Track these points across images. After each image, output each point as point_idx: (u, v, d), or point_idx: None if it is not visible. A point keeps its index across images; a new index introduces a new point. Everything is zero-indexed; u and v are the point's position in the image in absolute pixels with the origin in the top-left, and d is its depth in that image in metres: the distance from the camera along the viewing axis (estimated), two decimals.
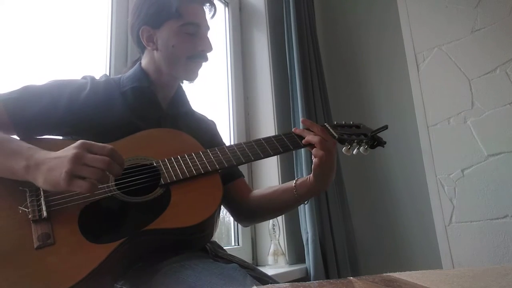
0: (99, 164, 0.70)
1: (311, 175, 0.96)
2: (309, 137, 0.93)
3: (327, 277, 1.65)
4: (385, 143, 1.05)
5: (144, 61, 1.04)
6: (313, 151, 0.92)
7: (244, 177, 1.16)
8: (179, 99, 1.09)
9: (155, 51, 1.01)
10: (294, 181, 1.01)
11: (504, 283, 0.44)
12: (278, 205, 1.05)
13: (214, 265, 0.75)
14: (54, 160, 0.70)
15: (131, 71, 1.04)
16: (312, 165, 0.94)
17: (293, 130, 0.99)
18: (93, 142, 0.73)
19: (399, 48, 2.01)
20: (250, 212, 1.08)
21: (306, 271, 1.68)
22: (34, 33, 1.25)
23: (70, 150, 0.71)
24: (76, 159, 0.69)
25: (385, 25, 2.15)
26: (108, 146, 0.73)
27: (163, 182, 0.82)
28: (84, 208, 0.74)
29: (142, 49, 1.05)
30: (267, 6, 2.07)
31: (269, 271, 1.52)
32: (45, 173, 0.70)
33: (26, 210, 0.72)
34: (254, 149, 0.93)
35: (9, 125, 0.83)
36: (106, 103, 0.93)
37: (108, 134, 0.88)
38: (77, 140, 0.90)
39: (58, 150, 0.73)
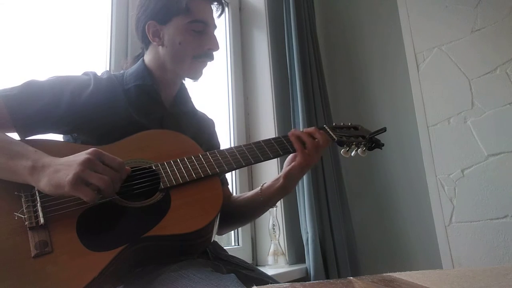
0: (108, 173, 0.69)
1: (283, 174, 0.97)
2: (305, 138, 0.96)
3: (327, 277, 1.65)
4: (383, 145, 1.06)
5: (148, 57, 1.02)
6: (300, 152, 0.94)
7: (228, 184, 1.16)
8: (182, 97, 1.08)
9: (160, 47, 0.99)
10: (261, 185, 1.02)
11: (504, 283, 0.44)
12: (246, 210, 1.06)
13: (213, 275, 0.73)
14: (63, 163, 0.70)
15: (134, 67, 1.02)
16: (292, 164, 0.96)
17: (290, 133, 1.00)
18: (104, 152, 0.73)
19: (399, 48, 2.01)
20: (223, 219, 1.07)
21: (306, 271, 1.68)
22: (35, 28, 1.25)
23: (82, 155, 0.70)
24: (87, 164, 0.68)
25: (385, 25, 2.15)
26: (118, 159, 0.73)
27: (162, 187, 0.81)
28: (82, 214, 0.72)
29: (146, 44, 1.03)
30: (267, 6, 2.07)
31: (269, 271, 1.52)
32: (51, 174, 0.69)
33: (22, 216, 0.69)
34: (254, 152, 0.92)
35: (8, 122, 0.81)
36: (109, 102, 0.92)
37: (110, 134, 0.88)
38: (78, 139, 0.90)
39: (61, 154, 0.72)
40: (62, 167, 0.69)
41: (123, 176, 0.74)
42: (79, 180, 0.67)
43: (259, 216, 1.12)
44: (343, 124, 1.09)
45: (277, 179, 0.99)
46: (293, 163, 0.96)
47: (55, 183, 0.68)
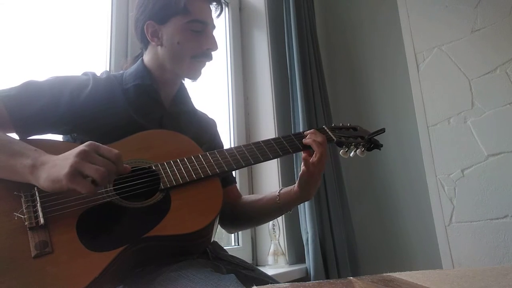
0: (104, 165, 0.69)
1: (296, 183, 0.97)
2: (309, 140, 0.96)
3: (327, 277, 1.65)
4: (381, 145, 1.06)
5: (147, 57, 1.02)
6: (304, 156, 0.94)
7: (236, 183, 1.16)
8: (181, 97, 1.08)
9: (159, 47, 0.99)
10: (278, 190, 1.02)
11: (504, 283, 0.44)
12: (262, 213, 1.06)
13: (212, 275, 0.74)
14: (60, 158, 0.70)
15: (133, 67, 1.02)
16: (301, 172, 0.95)
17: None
18: (101, 144, 0.72)
19: (399, 48, 2.01)
20: (235, 218, 1.07)
21: (306, 271, 1.68)
22: (35, 28, 1.25)
23: (78, 148, 0.70)
24: (83, 156, 0.68)
25: (385, 25, 2.15)
26: (115, 150, 0.72)
27: (162, 187, 0.81)
28: (82, 214, 0.72)
29: (145, 44, 1.03)
30: (267, 6, 2.07)
31: (269, 271, 1.52)
32: (49, 169, 0.69)
33: (22, 216, 0.69)
34: (254, 153, 0.92)
35: (8, 122, 0.81)
36: (108, 102, 0.92)
37: (110, 133, 0.88)
38: (78, 139, 0.90)
39: (61, 153, 0.72)
40: (59, 161, 0.69)
41: (119, 168, 0.73)
42: (75, 172, 0.67)
43: (274, 219, 1.13)
44: (342, 124, 1.09)
45: (293, 186, 1.00)
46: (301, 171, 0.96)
47: (53, 177, 0.68)
